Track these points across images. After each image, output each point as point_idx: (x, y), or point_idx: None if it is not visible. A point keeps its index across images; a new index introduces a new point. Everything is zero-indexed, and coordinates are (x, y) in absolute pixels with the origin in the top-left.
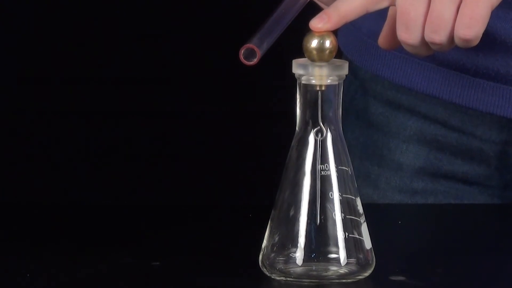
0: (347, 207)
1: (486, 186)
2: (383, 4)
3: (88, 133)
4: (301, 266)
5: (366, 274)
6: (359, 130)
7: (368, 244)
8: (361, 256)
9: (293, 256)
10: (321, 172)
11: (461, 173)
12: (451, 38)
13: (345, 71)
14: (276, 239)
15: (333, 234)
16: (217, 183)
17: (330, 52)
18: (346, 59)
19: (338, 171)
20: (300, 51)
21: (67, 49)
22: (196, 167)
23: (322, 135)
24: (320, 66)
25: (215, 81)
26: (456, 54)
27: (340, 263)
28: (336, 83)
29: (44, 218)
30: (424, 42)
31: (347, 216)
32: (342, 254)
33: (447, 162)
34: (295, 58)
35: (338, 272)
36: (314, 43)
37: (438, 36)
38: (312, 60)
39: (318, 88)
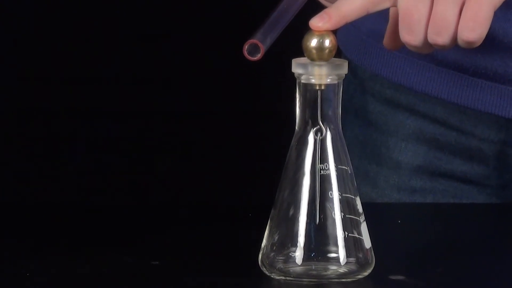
0: (347, 206)
1: (484, 186)
2: (384, 5)
3: (88, 133)
4: (300, 265)
5: (366, 273)
6: (358, 129)
7: (367, 243)
8: (360, 255)
9: (293, 255)
10: (320, 171)
11: (459, 172)
12: (454, 39)
13: (344, 70)
14: (276, 238)
15: (332, 233)
16: (217, 183)
17: (330, 51)
18: (345, 58)
19: (338, 170)
20: (299, 51)
21: (67, 49)
22: (196, 167)
23: (321, 134)
24: (320, 66)
25: (215, 81)
26: (455, 54)
27: (340, 263)
28: (336, 82)
29: (44, 218)
30: (427, 43)
31: (346, 216)
32: (342, 254)
33: (446, 161)
34: (294, 57)
35: (337, 271)
36: (313, 42)
37: (441, 38)
38: (312, 60)
39: (317, 87)
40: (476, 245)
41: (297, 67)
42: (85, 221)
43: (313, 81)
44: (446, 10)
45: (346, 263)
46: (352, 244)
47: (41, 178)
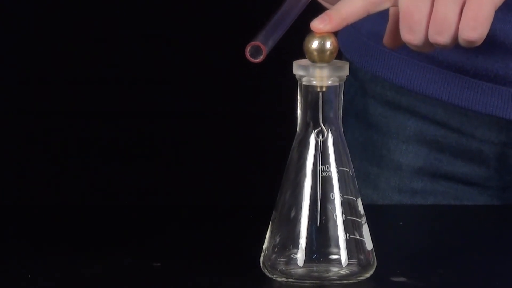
0: (348, 208)
1: (485, 187)
2: (384, 6)
3: (88, 133)
4: (302, 267)
5: (367, 275)
6: (359, 131)
7: (369, 245)
8: (362, 257)
9: (294, 257)
10: (322, 173)
11: (460, 173)
12: (455, 39)
13: (345, 72)
14: (277, 240)
15: (334, 235)
16: (218, 184)
17: (331, 53)
18: (346, 60)
19: (339, 172)
20: (301, 52)
21: (67, 49)
22: (196, 167)
23: (323, 136)
24: (321, 67)
25: (215, 81)
26: (455, 55)
27: (341, 264)
28: (337, 84)
29: (44, 219)
30: (428, 42)
31: (348, 217)
32: (343, 255)
33: (446, 163)
34: (296, 59)
35: (339, 273)
36: (315, 44)
37: (442, 37)
38: (313, 61)
39: (319, 89)
40: (477, 247)
41: (298, 69)
42: (86, 221)
43: (314, 83)
44: (447, 10)
45: (348, 264)
46: (354, 246)
47: (41, 179)
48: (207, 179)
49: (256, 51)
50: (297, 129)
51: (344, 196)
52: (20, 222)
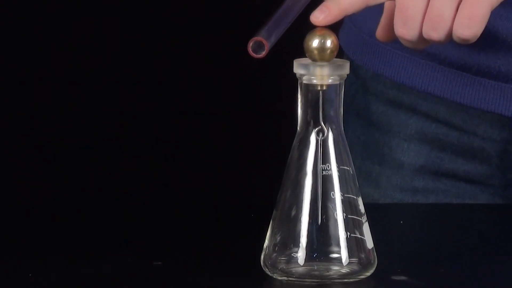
0: (349, 206)
1: (487, 185)
2: None
3: (88, 133)
4: (303, 266)
5: (368, 273)
6: (360, 129)
7: (369, 243)
8: (362, 255)
9: (295, 256)
10: (322, 172)
11: (462, 171)
12: (449, 35)
13: (346, 70)
14: (278, 239)
15: (334, 234)
16: (218, 183)
17: (331, 51)
18: (347, 58)
19: (340, 170)
20: (301, 51)
21: (67, 49)
22: (196, 167)
23: (323, 134)
24: (321, 66)
25: (215, 81)
26: (457, 53)
27: (342, 263)
28: (337, 82)
29: (45, 219)
30: (421, 38)
31: (348, 216)
32: (344, 254)
33: (448, 161)
34: (296, 58)
35: (340, 271)
36: (315, 43)
37: (436, 33)
38: (313, 60)
39: (319, 88)
40: (478, 246)
41: (299, 67)
42: (86, 221)
43: (314, 81)
44: (443, 6)
45: (348, 263)
46: (354, 245)
47: (41, 178)
48: (207, 179)
49: (259, 47)
50: (298, 128)
51: (345, 195)
52: (20, 222)
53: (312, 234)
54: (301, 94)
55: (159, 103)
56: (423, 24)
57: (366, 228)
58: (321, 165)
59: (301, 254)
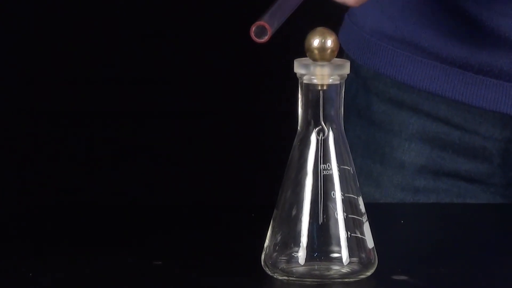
0: (349, 206)
1: (488, 184)
2: None
3: (88, 133)
4: (303, 265)
5: (368, 273)
6: (361, 129)
7: (370, 243)
8: (363, 255)
9: (296, 255)
10: (323, 172)
11: (463, 171)
12: None
13: (346, 70)
14: (279, 238)
15: (335, 233)
16: (219, 183)
17: (332, 51)
18: (348, 57)
19: (340, 170)
20: (301, 51)
21: (67, 49)
22: (196, 167)
23: (324, 134)
24: (322, 66)
25: (215, 81)
26: (459, 51)
27: (343, 263)
28: (338, 82)
29: (45, 219)
30: None
31: (349, 216)
32: (345, 254)
33: (449, 160)
34: (296, 57)
35: (340, 271)
36: (315, 42)
37: None
38: (314, 60)
39: (319, 88)
40: (479, 245)
41: (299, 67)
42: (86, 221)
43: (315, 81)
44: None
45: (349, 263)
46: (355, 244)
47: (41, 178)
48: (207, 179)
49: (262, 31)
50: (298, 128)
51: (345, 194)
52: (20, 222)
53: (313, 233)
54: (301, 94)
55: (159, 103)
56: None
57: (366, 227)
58: (321, 165)
59: (301, 254)
